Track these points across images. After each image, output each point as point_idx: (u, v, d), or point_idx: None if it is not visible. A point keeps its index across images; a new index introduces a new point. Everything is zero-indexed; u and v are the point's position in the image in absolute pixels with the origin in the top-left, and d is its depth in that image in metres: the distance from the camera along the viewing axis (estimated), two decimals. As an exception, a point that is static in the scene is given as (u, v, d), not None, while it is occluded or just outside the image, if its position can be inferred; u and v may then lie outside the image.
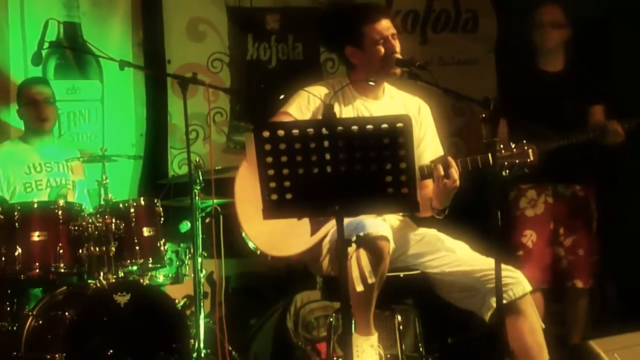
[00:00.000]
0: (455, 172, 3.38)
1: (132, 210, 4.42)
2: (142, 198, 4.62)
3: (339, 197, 2.84)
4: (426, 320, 3.90)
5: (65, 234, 4.28)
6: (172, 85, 5.61)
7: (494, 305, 3.33)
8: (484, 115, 3.11)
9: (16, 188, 4.80)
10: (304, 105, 3.60)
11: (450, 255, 3.53)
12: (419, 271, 3.58)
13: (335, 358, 3.88)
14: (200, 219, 4.62)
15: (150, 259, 4.45)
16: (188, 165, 4.13)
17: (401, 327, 3.70)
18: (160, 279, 4.79)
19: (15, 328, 4.27)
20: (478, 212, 3.45)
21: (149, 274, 4.67)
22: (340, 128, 2.79)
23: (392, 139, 2.77)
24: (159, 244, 4.50)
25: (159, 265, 4.59)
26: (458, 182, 3.39)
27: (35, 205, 4.34)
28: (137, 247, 4.40)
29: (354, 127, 2.78)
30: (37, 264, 4.24)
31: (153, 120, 5.73)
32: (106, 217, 4.31)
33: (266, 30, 5.91)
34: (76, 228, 4.28)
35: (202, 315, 4.41)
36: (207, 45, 5.82)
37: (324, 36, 3.91)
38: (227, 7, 5.84)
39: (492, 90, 4.98)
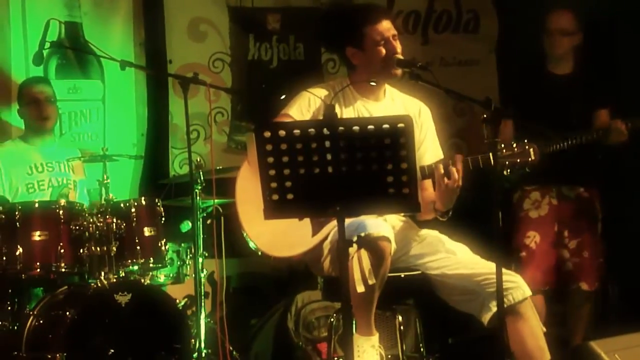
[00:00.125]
0: (455, 171, 3.37)
1: (133, 210, 4.42)
2: (143, 198, 4.62)
3: (340, 198, 2.84)
4: (427, 321, 3.90)
5: (66, 234, 4.28)
6: (173, 85, 5.61)
7: (494, 309, 3.34)
8: (485, 115, 3.10)
9: (19, 189, 4.81)
10: (304, 106, 3.59)
11: (451, 257, 3.53)
12: (420, 272, 3.57)
13: (336, 358, 3.87)
14: (201, 219, 4.63)
15: (151, 258, 4.46)
16: (189, 165, 4.11)
17: (402, 328, 3.69)
18: (161, 278, 4.80)
19: (16, 327, 4.27)
20: (479, 213, 3.44)
21: (150, 273, 4.67)
22: (341, 128, 2.79)
23: (393, 140, 2.77)
24: (160, 244, 4.51)
25: (160, 265, 4.60)
26: (460, 182, 3.38)
27: (36, 205, 4.35)
28: (138, 247, 4.40)
29: (356, 128, 2.78)
30: (38, 263, 4.24)
31: (154, 120, 5.72)
32: (107, 216, 4.31)
33: (267, 31, 5.90)
34: (77, 228, 4.28)
35: (203, 315, 4.40)
36: (209, 45, 5.81)
37: (324, 37, 3.91)
38: (229, 7, 5.83)
39: (494, 90, 4.98)
